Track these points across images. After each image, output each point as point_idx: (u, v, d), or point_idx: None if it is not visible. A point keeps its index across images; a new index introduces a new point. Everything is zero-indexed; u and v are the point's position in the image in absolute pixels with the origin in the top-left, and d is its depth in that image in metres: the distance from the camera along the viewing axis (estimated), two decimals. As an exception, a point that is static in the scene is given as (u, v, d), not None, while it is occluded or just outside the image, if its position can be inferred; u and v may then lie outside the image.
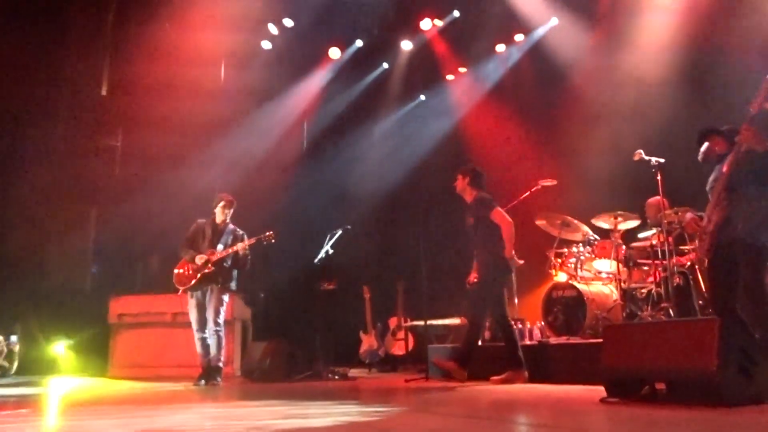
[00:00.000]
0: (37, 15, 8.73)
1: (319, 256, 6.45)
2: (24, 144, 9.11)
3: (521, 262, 5.30)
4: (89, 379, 7.00)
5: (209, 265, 5.68)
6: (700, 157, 4.08)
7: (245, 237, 5.91)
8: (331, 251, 6.46)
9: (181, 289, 5.78)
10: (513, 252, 5.13)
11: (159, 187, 8.25)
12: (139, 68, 9.03)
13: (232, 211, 5.95)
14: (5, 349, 7.16)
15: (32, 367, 7.71)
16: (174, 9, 8.75)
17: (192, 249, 5.79)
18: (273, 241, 5.76)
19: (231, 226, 5.95)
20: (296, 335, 6.92)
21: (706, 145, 4.03)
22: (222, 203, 5.90)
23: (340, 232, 6.50)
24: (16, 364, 7.39)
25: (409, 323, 7.98)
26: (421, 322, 7.19)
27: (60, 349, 7.80)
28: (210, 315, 5.72)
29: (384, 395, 4.56)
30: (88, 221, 9.04)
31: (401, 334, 7.96)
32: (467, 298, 5.48)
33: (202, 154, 8.78)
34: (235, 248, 5.73)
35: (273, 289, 8.63)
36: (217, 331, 5.71)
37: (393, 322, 8.12)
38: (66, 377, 7.29)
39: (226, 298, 5.86)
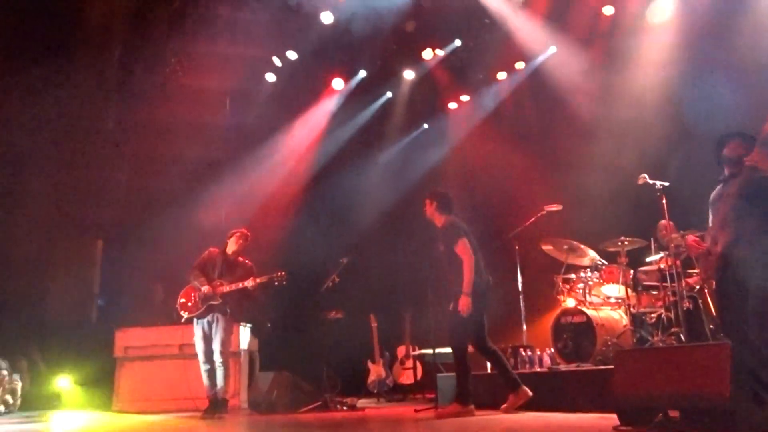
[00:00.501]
0: (44, 54, 8.90)
1: (325, 285, 6.43)
2: (30, 178, 9.19)
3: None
4: (94, 413, 6.93)
5: (217, 297, 5.69)
6: (724, 160, 3.83)
7: (254, 270, 5.90)
8: (337, 280, 6.44)
9: (186, 316, 5.76)
10: (468, 290, 4.84)
11: (164, 220, 8.28)
12: (144, 103, 9.16)
13: (245, 244, 5.98)
14: (8, 386, 7.11)
15: (36, 402, 7.64)
16: (179, 46, 8.93)
17: (203, 276, 5.79)
18: (285, 282, 5.74)
19: (240, 259, 5.97)
20: (303, 366, 6.85)
21: (730, 147, 3.83)
22: (237, 234, 5.96)
23: (345, 260, 6.49)
24: (19, 401, 7.34)
25: (417, 352, 7.91)
26: (430, 351, 7.12)
27: (65, 383, 7.74)
28: (216, 346, 5.69)
29: (393, 427, 4.50)
30: (94, 254, 9.06)
31: (409, 363, 7.88)
32: (447, 329, 5.22)
33: (208, 187, 8.85)
34: (244, 284, 5.70)
35: (279, 319, 8.59)
36: (223, 363, 5.68)
37: (401, 351, 8.05)
38: (70, 412, 7.22)
39: (232, 329, 5.85)
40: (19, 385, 7.20)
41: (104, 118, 9.32)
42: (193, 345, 5.89)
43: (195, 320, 5.78)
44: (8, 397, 7.16)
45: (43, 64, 8.70)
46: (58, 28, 8.84)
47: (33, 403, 7.58)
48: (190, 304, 5.77)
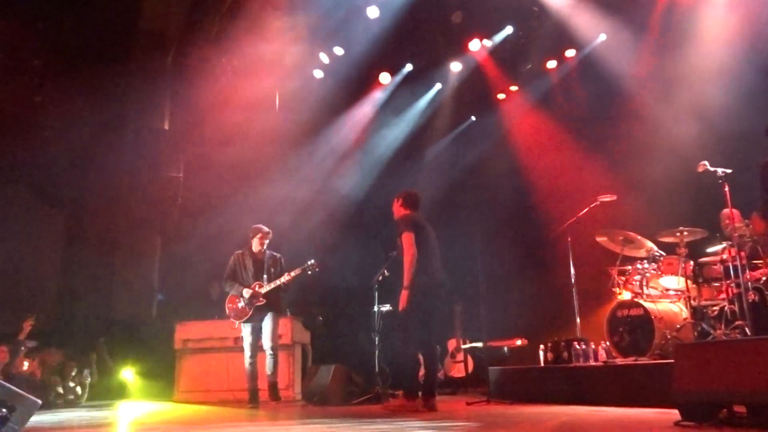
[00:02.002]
0: (103, 58, 9.28)
1: (376, 279, 6.48)
2: (91, 178, 9.62)
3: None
4: (156, 403, 7.21)
5: (260, 298, 5.96)
6: None
7: (282, 261, 6.21)
8: (387, 274, 6.47)
9: (238, 322, 6.04)
10: (407, 284, 4.72)
11: (220, 216, 8.51)
12: (198, 103, 9.44)
13: (268, 241, 6.22)
14: (78, 380, 7.49)
15: (104, 394, 8.01)
16: (228, 44, 9.13)
17: (236, 282, 6.07)
18: (317, 269, 6.00)
19: (268, 253, 6.22)
20: (354, 359, 6.94)
21: None
22: (260, 235, 6.18)
23: (395, 254, 6.51)
24: (87, 394, 7.72)
25: (468, 345, 7.86)
26: (480, 344, 7.08)
27: (129, 375, 8.08)
28: (266, 339, 5.98)
29: (446, 419, 4.49)
30: (154, 251, 9.40)
31: (460, 356, 7.84)
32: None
33: (259, 185, 9.04)
34: (281, 281, 5.99)
35: (331, 313, 8.71)
36: (273, 354, 5.97)
37: (452, 344, 8.02)
38: (133, 402, 7.54)
39: (278, 322, 6.15)
40: (88, 380, 7.59)
41: (161, 120, 9.64)
42: None
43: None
44: (78, 389, 7.55)
45: (102, 69, 9.09)
46: (116, 34, 9.21)
47: (101, 394, 7.96)
48: (238, 310, 6.03)
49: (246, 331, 6.01)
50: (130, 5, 9.02)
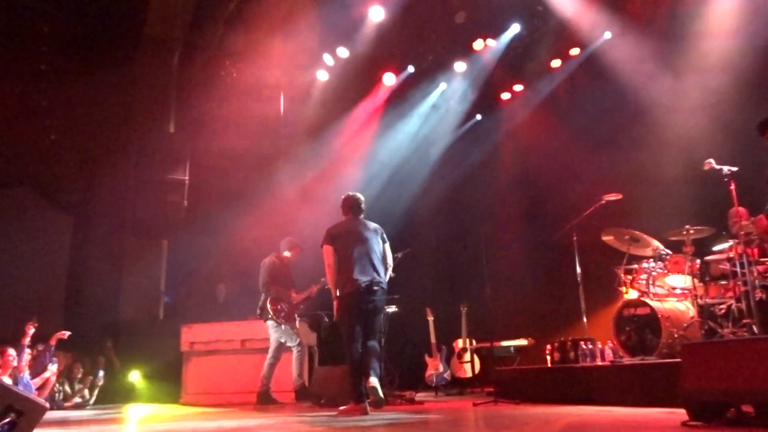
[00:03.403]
0: (108, 62, 9.33)
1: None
2: (98, 181, 9.67)
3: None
4: (162, 406, 7.23)
5: (300, 305, 6.65)
6: None
7: None
8: (393, 274, 6.46)
9: (283, 323, 6.47)
10: (334, 294, 5.06)
11: (225, 219, 8.53)
12: (203, 106, 9.48)
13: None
14: (90, 383, 7.54)
15: (112, 396, 8.04)
16: (233, 47, 9.16)
17: (280, 286, 6.57)
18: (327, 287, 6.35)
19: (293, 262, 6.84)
20: (391, 358, 6.96)
21: None
22: (297, 249, 6.75)
23: (400, 255, 6.50)
24: (95, 396, 7.75)
25: (475, 345, 7.85)
26: (487, 344, 7.06)
27: (135, 377, 8.11)
28: (293, 342, 6.50)
29: (453, 419, 4.49)
30: (160, 253, 9.43)
31: (467, 357, 7.83)
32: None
33: (265, 185, 9.05)
34: (310, 293, 6.60)
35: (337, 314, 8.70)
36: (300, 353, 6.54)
37: (458, 344, 8.01)
38: (139, 405, 7.56)
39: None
40: (101, 383, 7.63)
41: (166, 120, 9.68)
42: (255, 340, 6.77)
43: (274, 322, 6.46)
44: (86, 392, 7.60)
45: (109, 73, 9.14)
46: (122, 38, 9.25)
47: (108, 396, 7.98)
48: (284, 313, 6.49)
49: (276, 334, 6.48)
50: (136, 9, 9.06)
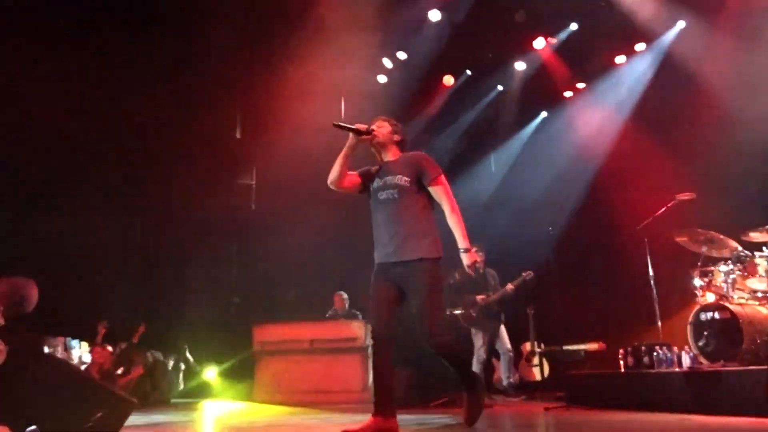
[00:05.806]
0: (175, 73, 9.68)
1: (448, 283, 6.52)
2: (169, 188, 10.07)
3: None
4: (237, 403, 7.51)
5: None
6: None
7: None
8: (458, 278, 6.50)
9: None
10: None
11: (292, 221, 8.75)
12: (267, 111, 9.71)
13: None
14: (168, 379, 7.93)
15: (186, 394, 8.42)
16: (294, 51, 9.34)
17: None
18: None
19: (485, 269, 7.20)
20: (430, 362, 6.99)
21: None
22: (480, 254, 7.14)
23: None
24: (173, 393, 8.12)
25: (543, 348, 7.77)
26: (557, 347, 7.00)
27: (211, 375, 8.45)
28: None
29: (526, 423, 4.50)
30: (231, 255, 9.76)
31: (535, 360, 7.77)
32: None
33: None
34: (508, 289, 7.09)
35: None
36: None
37: (525, 347, 7.95)
38: (215, 402, 7.87)
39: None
40: (180, 379, 8.01)
41: (233, 128, 9.98)
42: (322, 340, 6.99)
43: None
44: (165, 390, 7.99)
45: (178, 80, 9.48)
46: (183, 41, 9.55)
47: (185, 394, 8.36)
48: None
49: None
50: (204, 18, 9.34)
